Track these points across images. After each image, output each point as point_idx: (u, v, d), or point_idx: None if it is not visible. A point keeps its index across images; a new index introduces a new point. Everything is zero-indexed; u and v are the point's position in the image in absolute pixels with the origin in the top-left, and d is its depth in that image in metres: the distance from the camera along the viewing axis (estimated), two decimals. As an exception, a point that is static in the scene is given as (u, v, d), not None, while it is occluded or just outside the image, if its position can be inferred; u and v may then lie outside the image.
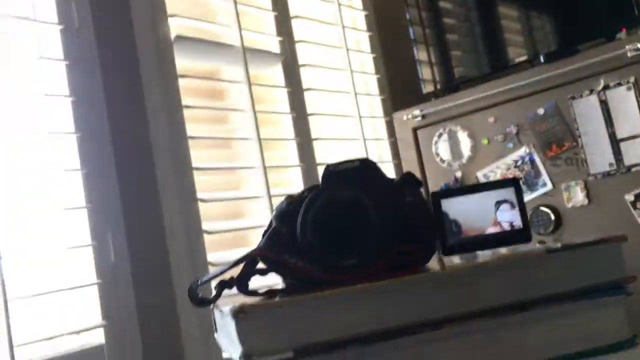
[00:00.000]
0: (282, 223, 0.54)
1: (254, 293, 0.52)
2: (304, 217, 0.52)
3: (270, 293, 0.51)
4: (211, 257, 1.54)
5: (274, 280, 0.57)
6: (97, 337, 1.31)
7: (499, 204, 0.58)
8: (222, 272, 0.53)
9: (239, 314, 0.43)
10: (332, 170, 0.55)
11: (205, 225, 1.55)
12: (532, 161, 1.90)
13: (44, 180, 1.36)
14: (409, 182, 0.55)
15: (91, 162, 1.33)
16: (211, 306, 0.57)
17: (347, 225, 0.51)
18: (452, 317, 0.46)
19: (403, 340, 0.46)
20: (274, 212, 0.56)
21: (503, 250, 0.53)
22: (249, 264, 0.52)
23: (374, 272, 0.48)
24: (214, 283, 0.56)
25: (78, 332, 1.33)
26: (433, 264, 0.54)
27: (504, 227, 0.56)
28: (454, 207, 0.57)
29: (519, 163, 1.92)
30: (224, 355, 1.46)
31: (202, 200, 1.54)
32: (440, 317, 0.46)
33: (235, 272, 0.53)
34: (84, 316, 1.33)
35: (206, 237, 1.54)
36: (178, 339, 1.38)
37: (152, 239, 1.41)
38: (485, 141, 1.99)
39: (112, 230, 1.34)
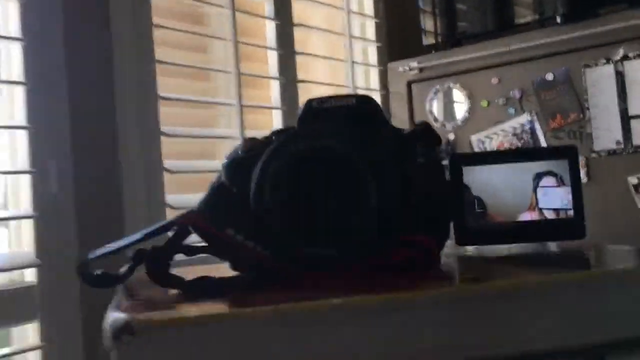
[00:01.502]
0: (233, 178, 0.36)
1: (176, 283, 0.34)
2: (263, 171, 0.34)
3: (198, 287, 0.33)
4: (170, 198, 1.37)
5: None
6: (28, 276, 1.15)
7: (539, 177, 0.41)
8: (129, 245, 0.36)
9: (122, 334, 0.25)
10: (316, 107, 0.36)
11: (167, 163, 1.38)
12: (532, 131, 1.75)
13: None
14: (423, 135, 0.37)
15: (38, 76, 1.15)
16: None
17: (328, 194, 0.33)
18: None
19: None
20: (223, 161, 0.38)
21: (550, 246, 0.37)
22: (175, 237, 0.34)
23: (358, 271, 0.31)
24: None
25: (10, 270, 1.17)
26: (445, 268, 0.37)
27: (545, 213, 0.40)
28: (478, 178, 0.40)
29: (517, 131, 1.77)
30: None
31: (165, 134, 1.37)
32: None
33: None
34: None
35: (166, 175, 1.37)
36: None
37: (104, 172, 1.24)
38: (484, 103, 1.83)
39: (56, 158, 1.17)
